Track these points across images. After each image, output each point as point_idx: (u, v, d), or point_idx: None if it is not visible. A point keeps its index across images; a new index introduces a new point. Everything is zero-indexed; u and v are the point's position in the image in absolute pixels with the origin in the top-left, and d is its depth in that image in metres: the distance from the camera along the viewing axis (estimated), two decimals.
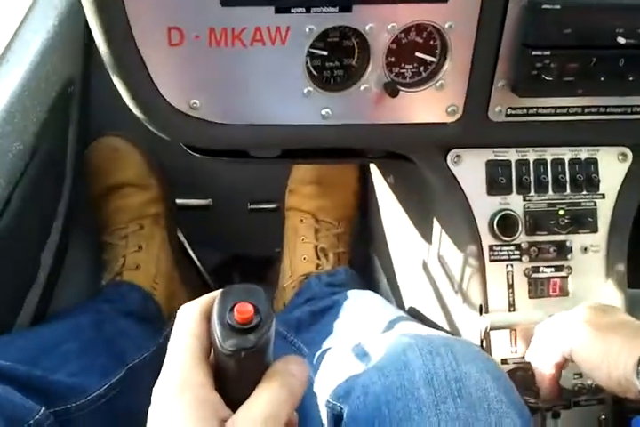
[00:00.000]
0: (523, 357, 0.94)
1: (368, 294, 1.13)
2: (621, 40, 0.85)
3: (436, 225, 1.04)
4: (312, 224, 1.31)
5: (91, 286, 1.31)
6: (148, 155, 1.33)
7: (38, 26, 1.06)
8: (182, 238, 1.47)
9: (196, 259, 1.50)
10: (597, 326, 0.80)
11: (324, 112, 0.85)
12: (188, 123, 0.81)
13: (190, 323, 0.55)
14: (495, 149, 0.96)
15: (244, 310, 0.51)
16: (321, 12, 0.78)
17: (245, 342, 0.51)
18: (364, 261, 1.45)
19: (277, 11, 0.77)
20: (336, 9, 0.79)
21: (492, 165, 0.97)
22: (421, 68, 0.87)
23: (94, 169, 1.28)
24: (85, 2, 0.72)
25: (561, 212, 0.98)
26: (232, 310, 0.52)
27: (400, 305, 1.20)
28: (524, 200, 0.98)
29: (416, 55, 0.86)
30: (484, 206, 0.97)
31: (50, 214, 1.12)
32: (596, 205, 1.00)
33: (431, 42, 0.85)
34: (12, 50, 1.01)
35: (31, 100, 0.99)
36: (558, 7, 0.82)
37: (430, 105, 0.89)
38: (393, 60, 0.86)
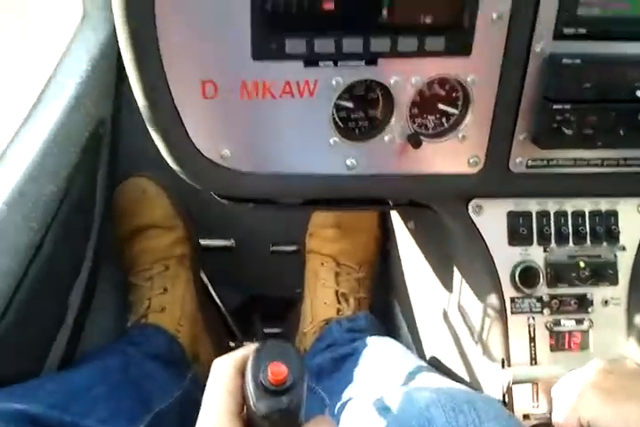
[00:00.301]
0: (544, 412, 0.94)
1: (388, 341, 1.13)
2: None
3: (457, 274, 1.05)
4: (332, 268, 1.32)
5: (117, 326, 1.32)
6: (173, 195, 1.36)
7: (72, 70, 1.10)
8: (205, 279, 1.49)
9: (218, 300, 1.51)
10: (609, 392, 0.78)
11: (348, 162, 0.88)
12: (219, 172, 0.84)
13: (224, 378, 0.56)
14: (516, 200, 0.98)
15: (277, 371, 0.53)
16: (348, 66, 0.82)
17: (279, 403, 0.52)
18: (384, 306, 1.45)
19: (306, 64, 0.81)
20: (362, 62, 0.82)
21: (513, 216, 0.98)
22: (444, 120, 0.90)
23: (121, 211, 1.31)
24: (127, 61, 0.76)
25: (581, 264, 0.99)
26: (265, 369, 0.53)
27: (420, 353, 1.20)
28: (545, 252, 0.98)
29: (439, 107, 0.89)
30: (505, 257, 0.97)
31: (79, 256, 1.14)
32: (616, 257, 1.00)
33: (454, 94, 0.88)
34: (47, 93, 1.06)
35: (64, 143, 1.03)
36: (578, 62, 0.85)
37: (452, 156, 0.91)
38: (416, 111, 0.89)
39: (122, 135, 1.30)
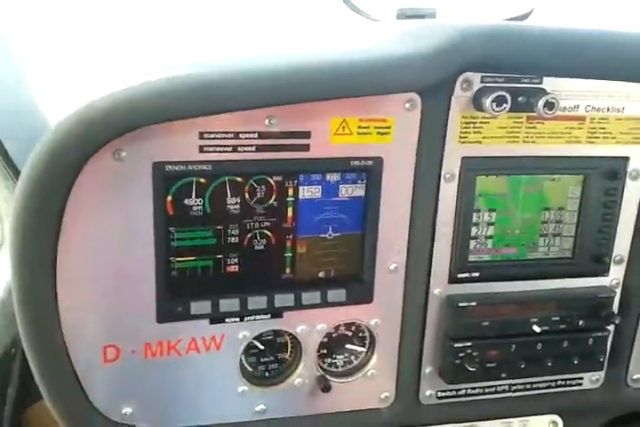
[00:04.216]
0: None
1: None
2: (536, 328, 0.92)
3: None
4: None
5: None
6: None
7: None
8: None
9: None
10: None
11: (258, 408, 0.87)
12: None
13: None
14: None
15: None
16: (254, 320, 0.84)
17: None
18: None
19: (212, 322, 0.82)
20: (268, 316, 0.84)
21: None
22: (352, 358, 0.92)
23: None
24: (20, 321, 0.75)
25: None
26: None
27: None
28: None
29: (346, 347, 0.91)
30: None
31: None
32: None
33: (360, 334, 0.91)
34: None
35: None
36: (474, 304, 0.90)
37: (363, 393, 0.92)
38: (325, 351, 0.91)
39: None
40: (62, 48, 1.25)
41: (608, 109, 0.90)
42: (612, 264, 0.96)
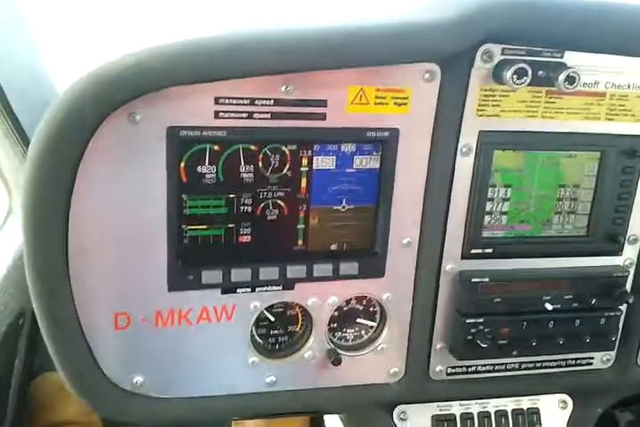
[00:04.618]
0: None
1: None
2: (549, 306, 0.91)
3: None
4: None
5: None
6: None
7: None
8: None
9: None
10: None
11: (268, 380, 0.87)
12: (130, 400, 0.81)
13: None
14: (439, 404, 0.98)
15: None
16: (265, 291, 0.83)
17: None
18: None
19: (224, 291, 0.81)
20: (280, 287, 0.83)
21: (437, 420, 0.97)
22: (362, 332, 0.91)
23: (38, 405, 1.24)
24: (32, 291, 0.75)
25: None
26: None
27: None
28: None
29: (357, 321, 0.90)
30: None
31: None
32: None
33: (371, 308, 0.90)
34: None
35: None
36: (487, 280, 0.89)
37: (373, 368, 0.91)
38: (335, 325, 0.90)
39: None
40: (75, 18, 1.24)
41: (629, 86, 0.88)
42: (626, 244, 0.95)
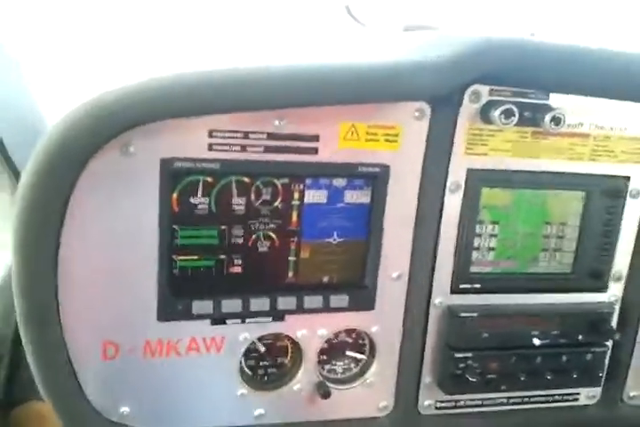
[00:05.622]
0: None
1: None
2: (536, 341, 0.92)
3: None
4: None
5: None
6: None
7: None
8: None
9: None
10: None
11: (256, 413, 0.87)
12: None
13: None
14: None
15: None
16: (255, 322, 0.83)
17: None
18: None
19: (214, 322, 0.82)
20: (270, 319, 0.84)
21: None
22: (352, 365, 0.92)
23: None
24: (20, 317, 0.75)
25: None
26: None
27: None
28: None
29: (347, 353, 0.91)
30: None
31: None
32: None
33: (360, 341, 0.91)
34: None
35: None
36: (475, 315, 0.90)
37: (362, 401, 0.91)
38: (325, 358, 0.90)
39: (23, 357, 1.25)
40: (62, 49, 1.25)
41: (611, 128, 0.91)
42: (610, 281, 0.97)
